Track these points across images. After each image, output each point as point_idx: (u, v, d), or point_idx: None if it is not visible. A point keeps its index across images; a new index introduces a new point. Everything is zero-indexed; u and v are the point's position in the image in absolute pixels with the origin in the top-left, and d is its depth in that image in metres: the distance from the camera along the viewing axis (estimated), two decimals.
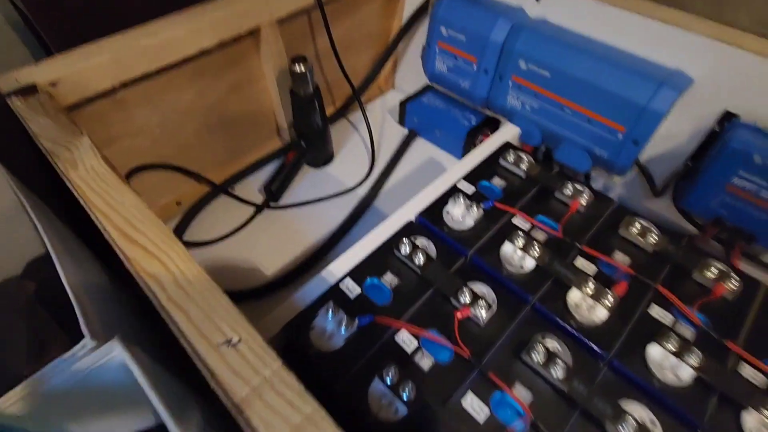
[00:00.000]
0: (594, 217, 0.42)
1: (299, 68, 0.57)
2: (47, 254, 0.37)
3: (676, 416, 0.31)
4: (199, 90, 0.57)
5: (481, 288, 0.37)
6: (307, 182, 0.67)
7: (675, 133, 0.51)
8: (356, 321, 0.34)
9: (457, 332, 0.33)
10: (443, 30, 0.62)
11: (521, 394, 0.31)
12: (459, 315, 0.34)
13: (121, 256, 0.31)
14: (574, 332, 0.34)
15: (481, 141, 0.67)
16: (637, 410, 0.31)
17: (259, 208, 0.63)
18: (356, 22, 0.70)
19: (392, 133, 0.74)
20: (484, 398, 0.31)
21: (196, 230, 0.60)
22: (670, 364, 0.32)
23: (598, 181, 0.64)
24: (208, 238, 0.59)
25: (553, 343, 0.34)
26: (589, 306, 0.35)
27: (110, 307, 0.39)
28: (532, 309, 0.36)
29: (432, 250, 0.39)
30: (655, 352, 0.33)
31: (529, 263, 0.38)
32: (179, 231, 0.59)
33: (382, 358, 0.33)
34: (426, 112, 0.71)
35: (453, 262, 0.39)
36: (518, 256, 0.38)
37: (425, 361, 0.33)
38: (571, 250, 0.39)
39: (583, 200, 0.42)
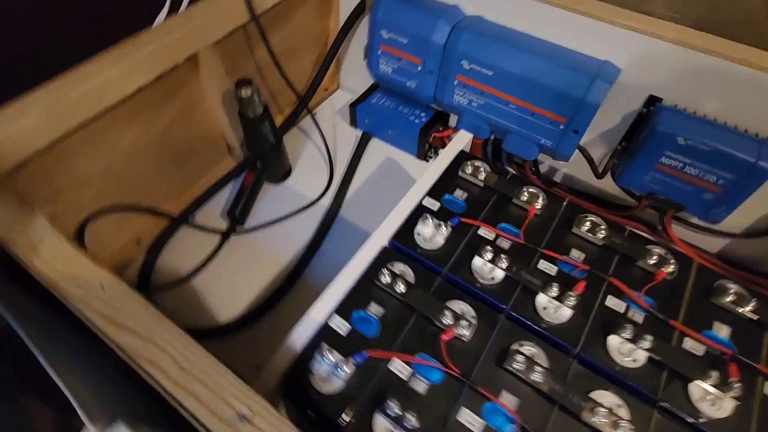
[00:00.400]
0: (549, 218, 0.46)
1: (245, 93, 0.55)
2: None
3: (637, 395, 0.36)
4: (141, 126, 0.54)
5: (460, 306, 0.40)
6: (269, 200, 0.66)
7: (609, 118, 0.56)
8: (351, 360, 0.36)
9: (445, 354, 0.37)
10: (384, 33, 0.62)
11: (508, 400, 0.35)
12: (445, 337, 0.37)
13: (112, 345, 0.31)
14: (545, 333, 0.39)
15: (433, 137, 0.69)
16: (606, 397, 0.36)
17: (225, 235, 0.62)
18: (293, 28, 0.67)
19: (346, 137, 0.74)
20: (477, 411, 0.35)
21: (164, 269, 0.59)
22: (627, 350, 0.37)
23: (546, 164, 0.68)
24: (178, 275, 0.58)
25: (529, 348, 0.38)
26: (555, 307, 0.39)
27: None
28: (507, 317, 0.40)
29: (410, 274, 0.42)
30: (613, 341, 0.38)
31: (499, 274, 0.42)
32: (145, 274, 0.58)
33: (381, 390, 0.35)
34: (376, 113, 0.71)
35: (431, 283, 0.41)
36: (488, 268, 0.42)
37: (421, 385, 0.36)
38: (533, 255, 0.43)
39: (539, 204, 0.46)
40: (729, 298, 0.40)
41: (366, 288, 0.41)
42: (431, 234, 0.44)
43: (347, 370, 0.35)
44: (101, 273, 0.34)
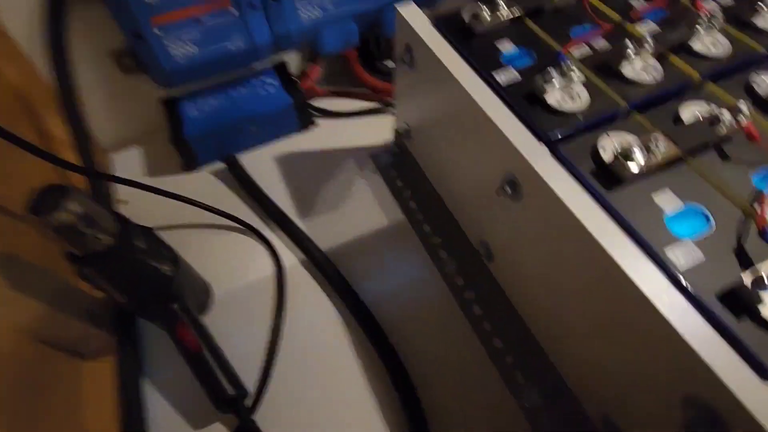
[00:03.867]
0: None
1: (63, 217, 0.24)
2: None
3: None
4: None
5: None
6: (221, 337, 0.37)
7: None
8: None
9: None
10: None
11: None
12: None
13: None
14: None
15: (305, 91, 0.49)
16: None
17: None
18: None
19: (198, 185, 0.47)
20: None
21: None
22: None
23: None
24: None
25: None
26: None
27: None
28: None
29: None
30: None
31: (649, 64, 0.30)
32: None
33: None
34: (213, 124, 0.45)
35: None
36: (638, 66, 0.30)
37: None
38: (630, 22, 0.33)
39: None
40: None
41: None
42: (561, 95, 0.28)
43: None
44: None
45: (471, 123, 0.31)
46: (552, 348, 0.33)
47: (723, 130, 0.25)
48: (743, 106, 0.25)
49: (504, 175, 0.29)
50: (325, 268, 0.40)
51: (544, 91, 0.27)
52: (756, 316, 0.20)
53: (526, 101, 0.28)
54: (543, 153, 0.26)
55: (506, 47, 0.32)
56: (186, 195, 0.41)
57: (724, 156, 0.25)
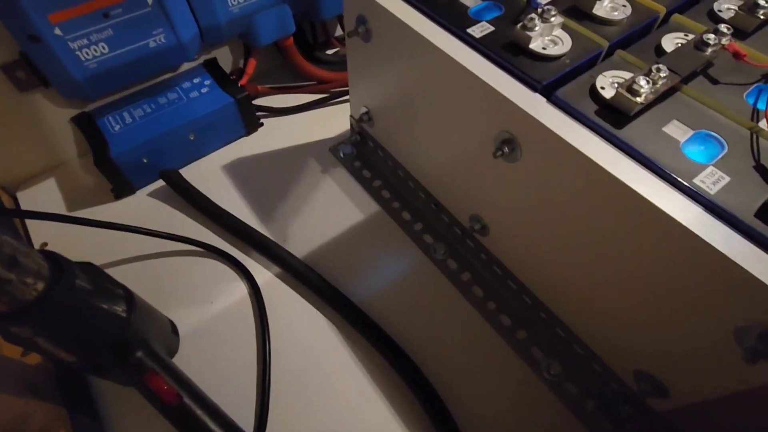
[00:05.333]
0: None
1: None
2: None
3: None
4: None
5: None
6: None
7: None
8: None
9: None
10: None
11: None
12: None
13: None
14: None
15: (248, 90, 0.44)
16: None
17: None
18: None
19: (148, 211, 0.40)
20: None
21: None
22: None
23: None
24: None
25: None
26: None
27: None
28: None
29: None
30: None
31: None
32: None
33: None
34: (141, 136, 0.39)
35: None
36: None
37: None
38: None
39: None
40: None
41: None
42: (543, 41, 0.26)
43: None
44: None
45: (453, 87, 0.28)
46: (570, 313, 0.31)
47: (708, 53, 0.24)
48: (724, 28, 0.25)
49: (497, 136, 0.26)
50: (307, 277, 0.35)
51: (527, 39, 0.26)
52: None
53: (509, 52, 0.26)
54: (539, 102, 0.24)
55: (471, 2, 0.29)
56: (125, 223, 0.35)
57: (713, 80, 0.25)
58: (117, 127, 0.39)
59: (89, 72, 0.34)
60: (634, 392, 0.28)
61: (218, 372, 0.32)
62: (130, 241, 0.36)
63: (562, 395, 0.32)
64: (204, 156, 0.44)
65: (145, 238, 0.36)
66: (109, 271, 0.29)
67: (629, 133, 0.23)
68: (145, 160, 0.40)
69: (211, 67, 0.44)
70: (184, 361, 0.32)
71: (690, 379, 0.24)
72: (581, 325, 0.30)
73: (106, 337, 0.25)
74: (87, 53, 0.33)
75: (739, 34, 0.27)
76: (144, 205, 0.40)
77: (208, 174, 0.42)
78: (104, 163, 0.38)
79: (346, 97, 0.49)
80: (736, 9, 0.28)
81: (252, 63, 0.45)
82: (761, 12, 0.27)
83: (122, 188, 0.40)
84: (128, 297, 0.27)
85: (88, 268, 0.25)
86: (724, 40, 0.25)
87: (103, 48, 0.34)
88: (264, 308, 0.34)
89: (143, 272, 0.36)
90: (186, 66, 0.43)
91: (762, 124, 0.23)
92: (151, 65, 0.38)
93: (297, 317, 0.35)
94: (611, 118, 0.23)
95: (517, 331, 0.34)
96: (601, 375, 0.30)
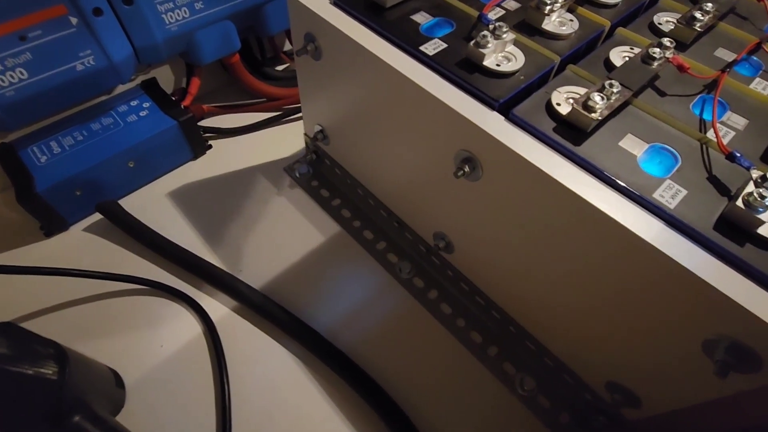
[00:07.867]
0: None
1: None
2: None
3: None
4: None
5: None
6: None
7: None
8: None
9: None
10: None
11: None
12: None
13: None
14: None
15: (194, 111, 0.42)
16: None
17: None
18: None
19: (83, 250, 0.36)
20: None
21: None
22: None
23: None
24: None
25: None
26: None
27: None
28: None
29: None
30: None
31: (564, 18, 0.29)
32: None
33: None
34: (80, 171, 0.36)
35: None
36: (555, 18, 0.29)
37: None
38: None
39: None
40: None
41: None
42: (496, 58, 0.26)
43: None
44: None
45: (409, 106, 0.27)
46: (539, 327, 0.31)
47: (654, 66, 0.25)
48: (667, 42, 0.25)
49: (457, 155, 0.26)
50: (265, 309, 0.33)
51: (481, 56, 0.25)
52: (756, 239, 0.19)
53: (464, 70, 0.25)
54: (497, 120, 0.24)
55: (422, 18, 0.29)
56: (56, 266, 0.32)
57: (660, 92, 0.26)
58: (43, 159, 0.35)
59: (6, 101, 0.31)
60: (608, 403, 0.28)
61: (172, 424, 0.29)
62: (62, 285, 0.33)
63: (537, 410, 0.31)
64: (147, 184, 0.41)
65: (79, 279, 0.33)
66: (39, 323, 0.26)
67: (588, 149, 0.22)
68: (78, 193, 0.36)
69: (151, 88, 0.41)
70: (131, 416, 0.28)
71: (662, 389, 0.24)
72: (550, 340, 0.30)
73: (34, 406, 0.22)
74: (2, 80, 0.30)
75: (679, 46, 0.28)
76: (79, 242, 0.37)
77: (151, 203, 0.39)
78: (29, 200, 0.34)
79: (300, 114, 0.47)
80: (675, 22, 0.29)
81: (195, 82, 0.43)
82: (698, 24, 0.28)
83: (53, 225, 0.36)
84: (59, 354, 0.24)
85: (4, 329, 0.22)
86: (668, 54, 0.25)
87: (21, 74, 0.31)
88: (221, 347, 0.32)
89: (80, 320, 0.32)
90: (121, 88, 0.40)
91: (710, 134, 0.23)
92: (80, 90, 0.34)
93: (258, 354, 0.32)
94: (569, 135, 0.23)
95: (489, 347, 0.34)
96: (573, 387, 0.30)
